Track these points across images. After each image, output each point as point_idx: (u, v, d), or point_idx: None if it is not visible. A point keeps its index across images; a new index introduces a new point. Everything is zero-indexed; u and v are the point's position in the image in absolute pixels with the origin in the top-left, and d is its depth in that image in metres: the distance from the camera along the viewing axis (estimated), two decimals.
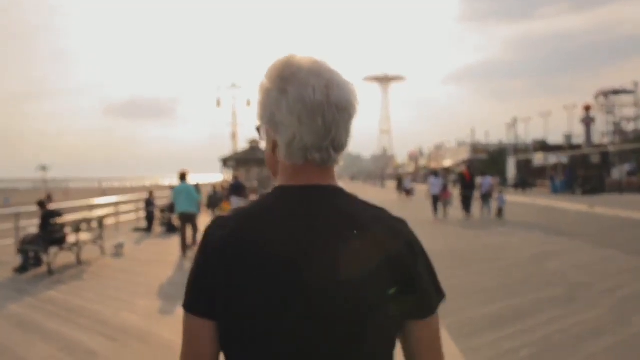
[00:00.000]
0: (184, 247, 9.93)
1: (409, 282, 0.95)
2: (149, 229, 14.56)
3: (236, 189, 18.94)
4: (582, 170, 36.57)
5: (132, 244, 12.04)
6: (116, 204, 16.56)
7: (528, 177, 39.18)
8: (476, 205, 17.59)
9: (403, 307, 0.95)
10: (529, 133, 59.68)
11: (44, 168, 41.63)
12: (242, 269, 0.91)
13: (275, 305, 0.89)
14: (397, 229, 0.99)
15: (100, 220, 10.85)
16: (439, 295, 1.02)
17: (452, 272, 7.68)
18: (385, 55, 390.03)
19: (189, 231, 10.24)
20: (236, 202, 17.98)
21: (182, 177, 10.38)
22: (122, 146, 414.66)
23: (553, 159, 40.98)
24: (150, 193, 16.19)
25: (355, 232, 0.94)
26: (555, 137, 63.05)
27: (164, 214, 14.92)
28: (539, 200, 26.32)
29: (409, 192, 31.43)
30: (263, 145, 1.05)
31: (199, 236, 11.55)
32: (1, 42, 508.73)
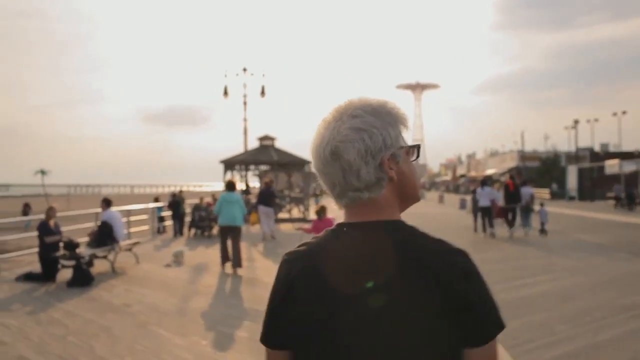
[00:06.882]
0: (225, 259, 9.28)
1: (463, 311, 0.93)
2: (46, 277, 8.23)
3: (265, 196, 14.93)
4: None
5: None
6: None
7: (594, 188, 32.25)
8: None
9: (458, 335, 0.93)
10: (563, 142, 53.74)
11: (42, 172, 37.87)
12: (304, 305, 0.99)
13: (332, 339, 0.96)
14: (452, 260, 0.96)
15: None
16: (498, 324, 0.97)
17: None
18: (418, 62, 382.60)
19: (231, 244, 9.20)
20: (264, 211, 14.17)
21: (230, 186, 9.76)
22: (159, 153, 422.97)
23: (631, 166, 35.07)
24: (48, 213, 8.90)
25: (405, 268, 0.94)
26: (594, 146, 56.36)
27: (75, 251, 8.39)
28: None
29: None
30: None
31: (242, 251, 9.28)
32: (36, 51, 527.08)
